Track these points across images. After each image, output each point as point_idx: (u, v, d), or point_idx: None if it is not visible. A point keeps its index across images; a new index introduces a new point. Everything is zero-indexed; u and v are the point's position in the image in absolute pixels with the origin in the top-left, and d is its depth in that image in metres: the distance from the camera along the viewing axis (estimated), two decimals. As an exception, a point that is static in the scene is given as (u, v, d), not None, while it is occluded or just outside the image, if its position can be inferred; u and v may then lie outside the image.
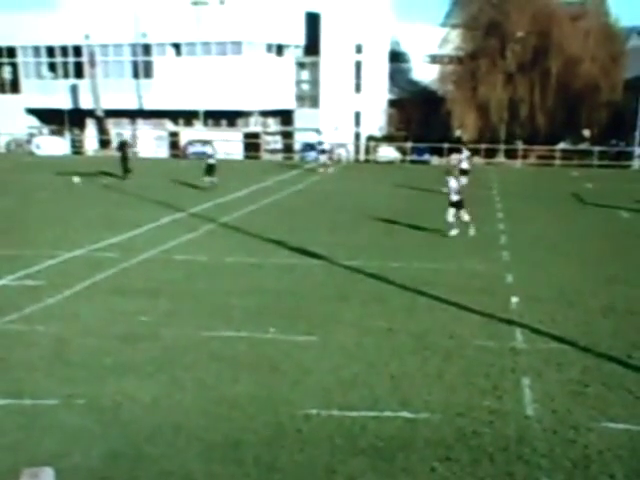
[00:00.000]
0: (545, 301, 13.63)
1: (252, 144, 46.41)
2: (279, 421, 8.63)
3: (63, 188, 29.47)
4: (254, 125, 48.80)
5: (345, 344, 11.20)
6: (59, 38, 48.58)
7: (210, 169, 28.99)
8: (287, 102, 49.17)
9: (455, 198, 20.03)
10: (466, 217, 20.09)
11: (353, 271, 15.84)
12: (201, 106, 45.79)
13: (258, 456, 7.82)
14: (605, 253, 18.15)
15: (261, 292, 14.12)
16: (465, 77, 48.55)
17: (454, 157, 38.14)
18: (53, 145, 47.72)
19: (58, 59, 50.49)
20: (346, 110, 47.75)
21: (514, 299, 13.67)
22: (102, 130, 49.19)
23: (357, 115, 48.68)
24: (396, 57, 51.79)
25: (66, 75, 50.45)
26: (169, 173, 34.86)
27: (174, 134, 47.59)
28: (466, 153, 32.05)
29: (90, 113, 49.12)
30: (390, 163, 44.49)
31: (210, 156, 30.03)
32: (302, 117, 49.38)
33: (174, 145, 46.94)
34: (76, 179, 29.42)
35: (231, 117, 47.83)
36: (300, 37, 49.37)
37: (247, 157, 45.94)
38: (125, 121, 49.64)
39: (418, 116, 48.09)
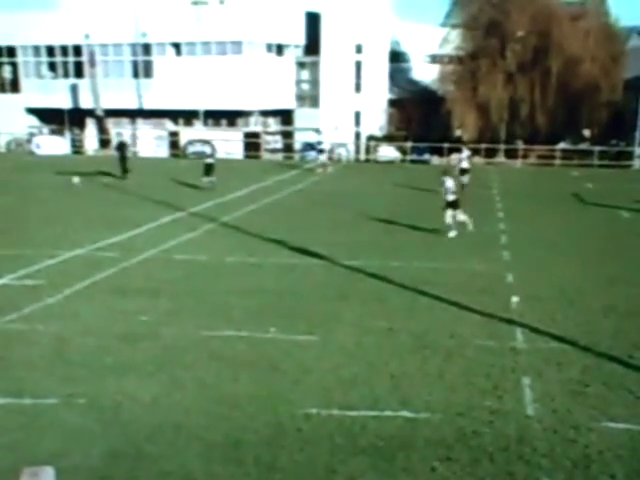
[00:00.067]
0: (545, 301, 13.63)
1: (252, 144, 46.38)
2: (279, 420, 8.62)
3: (63, 188, 29.46)
4: (254, 125, 48.78)
5: (345, 343, 11.19)
6: (59, 38, 48.55)
7: (209, 169, 28.99)
8: (287, 102, 49.16)
9: (451, 198, 20.01)
10: (462, 217, 20.07)
11: (353, 271, 15.84)
12: (201, 106, 45.78)
13: (258, 456, 7.82)
14: (605, 253, 18.15)
15: (261, 292, 14.11)
16: (465, 77, 48.55)
17: (454, 157, 38.13)
18: (53, 145, 47.68)
19: (58, 59, 50.47)
20: (346, 110, 47.73)
21: (514, 299, 13.67)
22: (102, 130, 49.16)
23: (357, 115, 48.66)
24: (396, 57, 51.78)
25: (66, 75, 50.42)
26: (169, 173, 34.84)
27: (174, 134, 47.54)
28: (466, 152, 32.05)
29: (90, 113, 49.08)
30: (390, 163, 44.48)
31: (208, 156, 30.04)
32: (302, 117, 49.35)
33: (174, 145, 46.90)
34: (75, 179, 29.40)
35: (231, 117, 47.80)
36: (300, 37, 49.36)
37: (247, 157, 45.91)
38: (125, 121, 49.61)
39: (418, 116, 48.09)
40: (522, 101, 46.72)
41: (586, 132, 48.78)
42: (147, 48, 48.17)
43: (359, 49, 47.49)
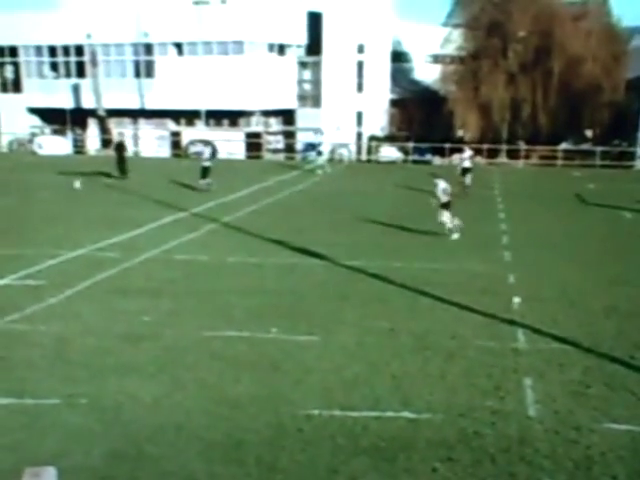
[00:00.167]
0: (547, 301, 13.62)
1: (254, 144, 46.38)
2: (280, 421, 8.62)
3: (65, 188, 29.45)
4: (256, 125, 48.75)
5: (346, 344, 11.19)
6: (61, 37, 48.53)
7: (205, 171, 28.91)
8: (289, 102, 49.12)
9: (445, 199, 19.94)
10: (444, 218, 19.80)
11: (354, 271, 15.83)
12: (203, 106, 45.77)
13: (259, 456, 7.82)
14: (607, 254, 18.13)
15: (262, 292, 14.12)
16: (467, 77, 48.49)
17: (456, 157, 38.11)
18: (55, 145, 47.70)
19: (60, 58, 50.46)
20: (348, 110, 47.69)
21: (516, 299, 13.65)
22: (104, 130, 49.13)
23: (359, 115, 48.61)
24: (398, 57, 51.70)
25: (68, 74, 50.41)
26: (171, 173, 34.83)
27: (176, 134, 47.54)
28: (469, 152, 32.02)
29: (92, 113, 49.05)
30: (392, 163, 44.46)
31: (205, 159, 30.04)
32: (304, 117, 49.30)
33: (176, 145, 46.92)
34: (77, 184, 29.24)
35: (233, 117, 47.78)
36: (302, 37, 49.33)
37: (249, 157, 45.92)
38: (127, 121, 49.60)
39: (420, 116, 48.04)
40: (524, 101, 46.67)
41: (588, 132, 48.72)
42: (149, 48, 48.16)
43: (361, 49, 47.45)
